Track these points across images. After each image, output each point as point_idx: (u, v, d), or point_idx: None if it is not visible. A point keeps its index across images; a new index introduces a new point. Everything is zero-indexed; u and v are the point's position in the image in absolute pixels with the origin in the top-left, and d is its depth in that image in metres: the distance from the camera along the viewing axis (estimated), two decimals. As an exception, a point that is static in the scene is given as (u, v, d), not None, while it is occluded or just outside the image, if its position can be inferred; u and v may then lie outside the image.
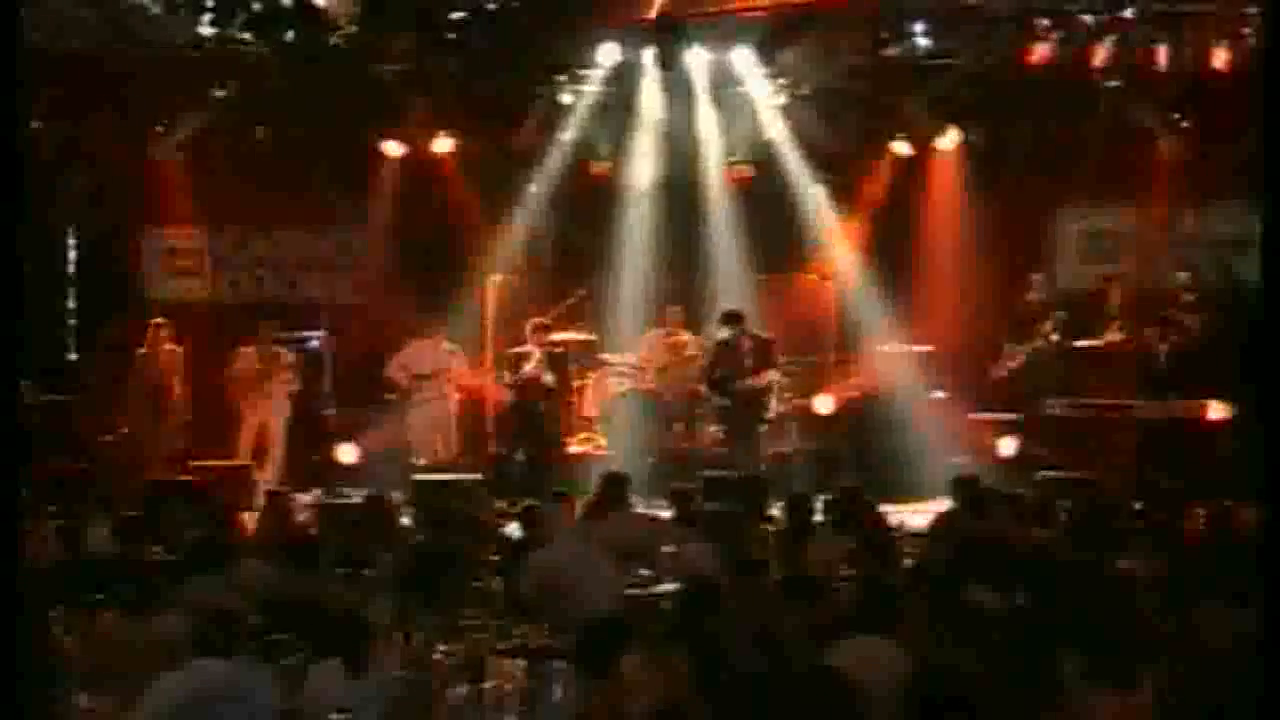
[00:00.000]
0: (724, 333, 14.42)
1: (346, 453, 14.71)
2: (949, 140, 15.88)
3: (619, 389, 15.47)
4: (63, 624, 7.16)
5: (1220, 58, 14.31)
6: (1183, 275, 14.98)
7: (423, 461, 14.54)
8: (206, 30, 14.26)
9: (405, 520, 10.95)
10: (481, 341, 15.63)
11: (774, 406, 14.54)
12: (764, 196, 16.29)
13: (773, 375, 14.38)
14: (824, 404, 15.10)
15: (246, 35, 14.37)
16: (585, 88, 15.58)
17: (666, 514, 11.24)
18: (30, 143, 13.80)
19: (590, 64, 15.26)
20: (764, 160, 16.19)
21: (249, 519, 10.88)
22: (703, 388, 14.79)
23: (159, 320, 14.74)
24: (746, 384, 14.26)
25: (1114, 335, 14.68)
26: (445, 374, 14.92)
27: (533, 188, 16.26)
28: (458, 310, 15.48)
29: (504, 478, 14.00)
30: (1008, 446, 14.28)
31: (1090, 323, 14.93)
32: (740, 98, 15.66)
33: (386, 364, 15.03)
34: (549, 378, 14.71)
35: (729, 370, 14.33)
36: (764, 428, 14.40)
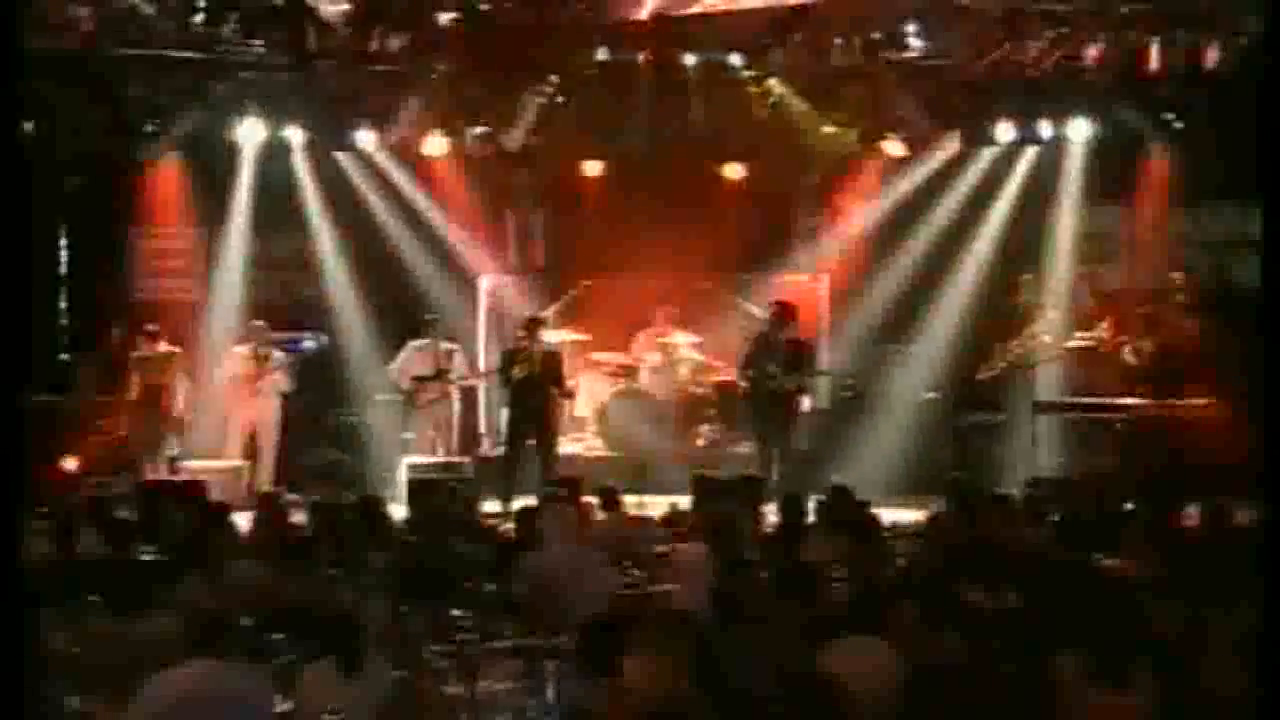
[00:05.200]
0: (766, 328, 14.15)
1: (330, 454, 14.72)
2: (942, 140, 15.92)
3: (611, 389, 15.49)
4: (55, 624, 7.15)
5: (1212, 57, 14.34)
6: (1177, 276, 15.01)
7: (417, 461, 14.52)
8: (199, 31, 14.27)
9: (398, 521, 10.93)
10: (475, 342, 15.65)
11: (806, 406, 14.44)
12: (757, 197, 16.33)
13: (807, 377, 14.21)
14: (804, 404, 15.06)
15: (240, 35, 14.39)
16: (579, 89, 15.57)
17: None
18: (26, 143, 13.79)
19: (584, 65, 15.27)
20: (758, 160, 16.22)
21: (241, 519, 10.86)
22: (742, 383, 14.47)
23: (153, 326, 14.71)
24: (780, 382, 13.97)
25: (1103, 334, 14.71)
26: (447, 375, 14.90)
27: (526, 189, 16.29)
28: (452, 311, 15.48)
29: (497, 478, 13.99)
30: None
31: (1078, 322, 14.97)
32: (734, 98, 15.66)
33: (387, 364, 15.03)
34: (540, 376, 14.69)
35: (766, 368, 14.10)
36: (794, 427, 14.17)
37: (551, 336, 14.89)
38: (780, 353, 13.86)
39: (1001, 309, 15.37)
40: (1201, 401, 13.54)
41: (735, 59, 15.21)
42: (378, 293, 15.99)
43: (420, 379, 14.82)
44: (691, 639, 5.77)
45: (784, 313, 13.98)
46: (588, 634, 6.09)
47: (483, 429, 15.80)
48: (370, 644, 6.62)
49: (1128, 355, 13.96)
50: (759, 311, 14.67)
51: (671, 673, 5.47)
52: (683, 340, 15.69)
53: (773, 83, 15.50)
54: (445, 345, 15.00)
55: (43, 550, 9.26)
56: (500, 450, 14.84)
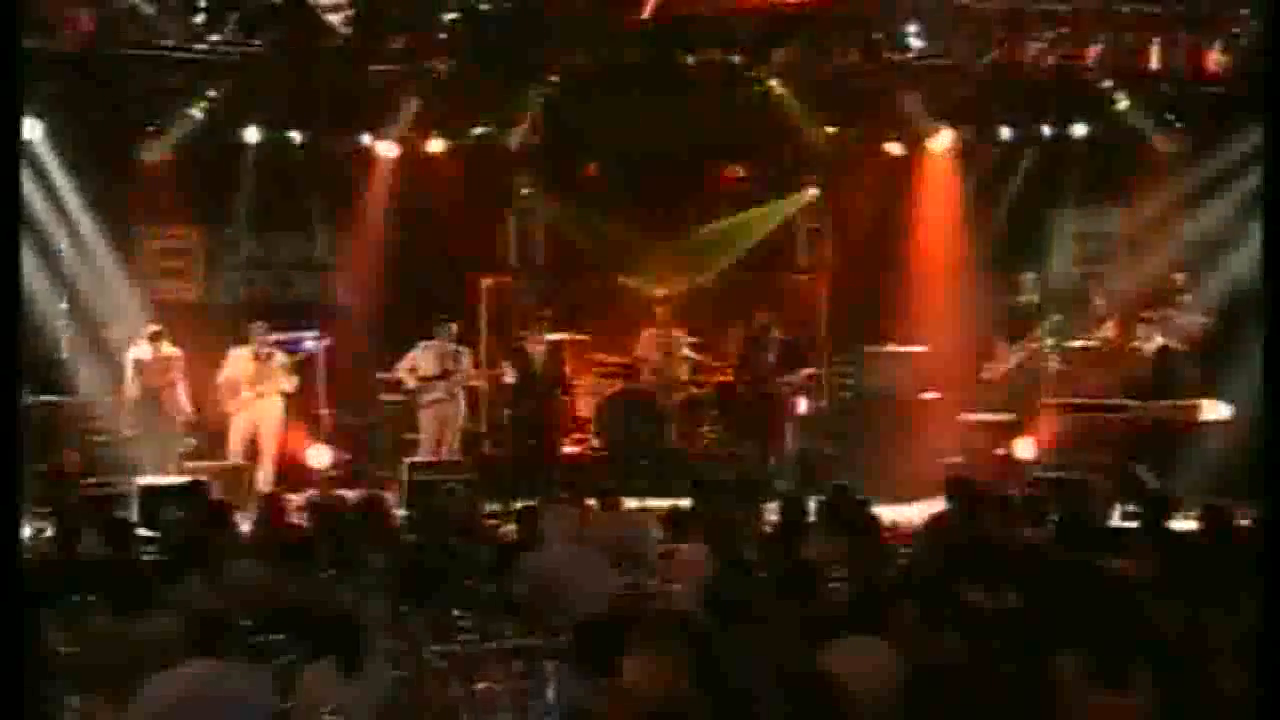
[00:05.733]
0: (756, 329, 14.27)
1: (319, 455, 14.71)
2: (942, 140, 15.93)
3: (611, 389, 15.48)
4: (55, 624, 7.15)
5: (1213, 58, 14.34)
6: (1179, 276, 15.00)
7: (418, 461, 14.51)
8: (200, 30, 14.27)
9: (398, 521, 10.94)
10: (477, 342, 15.65)
11: (804, 407, 14.48)
12: (758, 196, 16.34)
13: (805, 374, 14.27)
14: (803, 404, 15.07)
15: (240, 35, 14.39)
16: (579, 88, 15.58)
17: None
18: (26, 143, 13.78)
19: (584, 64, 15.27)
20: (758, 160, 16.22)
21: (242, 520, 10.86)
22: (740, 386, 14.57)
23: (155, 327, 14.70)
24: (776, 383, 14.11)
25: (1108, 334, 14.70)
26: (453, 375, 14.89)
27: (526, 188, 16.29)
28: (453, 311, 15.47)
29: (498, 478, 13.98)
30: (1025, 448, 14.18)
31: (1082, 323, 14.96)
32: (734, 97, 15.67)
33: (393, 365, 15.03)
34: (542, 376, 14.69)
35: (759, 369, 14.15)
36: (790, 427, 14.27)
37: (551, 336, 14.89)
38: (771, 353, 14.02)
39: (1002, 309, 15.36)
40: (1202, 402, 13.53)
41: (735, 59, 15.20)
42: (378, 293, 15.98)
43: (426, 378, 14.81)
44: (691, 639, 5.78)
45: (768, 316, 14.13)
46: (585, 634, 6.10)
47: (484, 429, 15.78)
48: (370, 644, 6.62)
49: (1137, 355, 13.96)
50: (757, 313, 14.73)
51: (671, 673, 5.47)
52: (683, 340, 15.69)
53: (773, 83, 15.50)
54: (453, 346, 14.98)
55: (43, 550, 9.28)
56: (501, 450, 14.84)
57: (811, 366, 14.81)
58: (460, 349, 14.97)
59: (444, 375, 14.75)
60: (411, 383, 14.81)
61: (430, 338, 14.81)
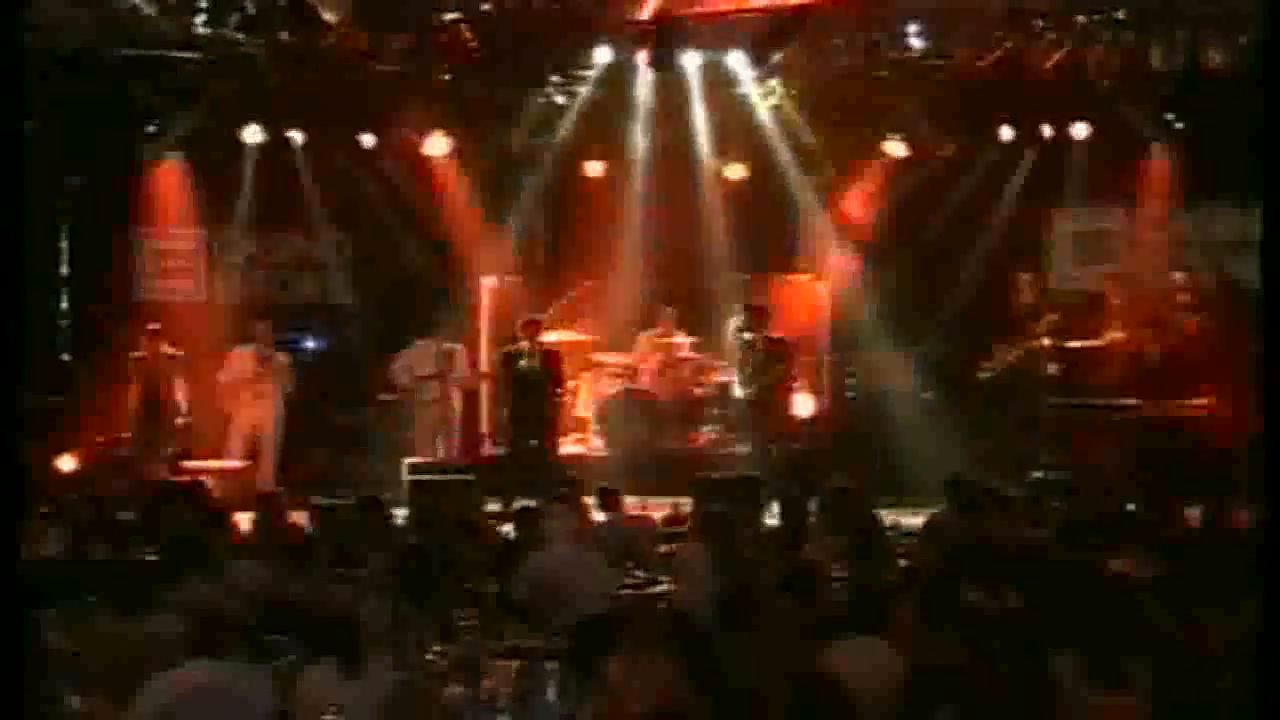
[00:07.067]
0: (745, 331, 14.33)
1: (323, 455, 14.72)
2: (942, 140, 15.93)
3: (612, 390, 15.48)
4: (56, 624, 7.15)
5: (1214, 58, 14.34)
6: (1179, 276, 15.00)
7: (418, 461, 14.51)
8: (201, 30, 14.28)
9: (398, 521, 10.94)
10: (476, 342, 15.65)
11: (808, 408, 14.49)
12: (758, 197, 16.33)
13: (782, 376, 14.30)
14: (804, 405, 15.06)
15: (240, 35, 14.40)
16: (579, 89, 15.58)
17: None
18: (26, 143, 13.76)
19: (584, 66, 15.27)
20: (758, 161, 16.21)
21: (242, 520, 10.85)
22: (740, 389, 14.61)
23: (154, 326, 14.71)
24: (764, 383, 14.16)
25: (1114, 334, 14.71)
26: (448, 374, 14.88)
27: (527, 189, 16.29)
28: (453, 311, 15.49)
29: (498, 478, 13.98)
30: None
31: (1085, 323, 14.96)
32: (735, 99, 15.67)
33: (387, 365, 15.03)
34: (540, 376, 14.68)
35: (746, 370, 14.25)
36: (787, 427, 14.33)
37: (551, 336, 14.89)
38: (760, 354, 14.04)
39: (1001, 309, 15.37)
40: (1203, 402, 13.54)
41: (735, 59, 15.20)
42: (378, 293, 15.98)
43: (421, 378, 14.82)
44: (691, 639, 5.78)
45: (757, 315, 14.10)
46: (584, 634, 6.10)
47: (484, 429, 15.78)
48: (370, 644, 6.62)
49: (1138, 355, 13.99)
50: (734, 320, 14.72)
51: (670, 673, 5.47)
52: (683, 341, 15.68)
53: (774, 83, 15.49)
54: (447, 345, 14.98)
55: (44, 550, 9.28)
56: (501, 450, 14.84)
57: (800, 365, 14.77)
58: (455, 348, 14.98)
59: (438, 375, 14.76)
60: (406, 380, 14.82)
61: (424, 337, 14.83)
